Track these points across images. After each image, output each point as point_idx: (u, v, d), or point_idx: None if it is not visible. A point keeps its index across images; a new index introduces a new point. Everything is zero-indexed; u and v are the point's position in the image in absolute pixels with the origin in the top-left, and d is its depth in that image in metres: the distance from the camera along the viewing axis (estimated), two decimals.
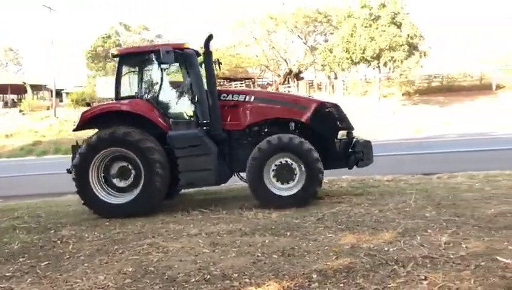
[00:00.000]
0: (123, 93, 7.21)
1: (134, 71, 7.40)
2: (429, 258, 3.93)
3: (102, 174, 6.78)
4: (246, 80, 47.87)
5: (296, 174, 6.59)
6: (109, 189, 6.79)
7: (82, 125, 6.96)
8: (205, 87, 7.00)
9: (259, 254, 4.36)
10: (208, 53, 6.89)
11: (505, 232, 4.61)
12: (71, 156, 7.18)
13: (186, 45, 7.11)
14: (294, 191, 6.55)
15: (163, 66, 6.95)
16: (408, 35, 31.02)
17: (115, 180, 6.80)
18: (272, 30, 43.39)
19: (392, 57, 31.27)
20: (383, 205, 6.22)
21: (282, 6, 41.64)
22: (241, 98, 7.10)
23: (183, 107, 7.27)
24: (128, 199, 6.65)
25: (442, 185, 7.38)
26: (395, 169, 9.64)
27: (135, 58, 7.33)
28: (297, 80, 44.99)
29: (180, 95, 7.36)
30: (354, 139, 7.17)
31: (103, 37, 54.68)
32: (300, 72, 46.82)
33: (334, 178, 8.74)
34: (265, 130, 7.11)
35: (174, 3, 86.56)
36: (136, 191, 6.64)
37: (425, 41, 33.13)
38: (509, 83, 36.04)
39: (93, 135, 6.70)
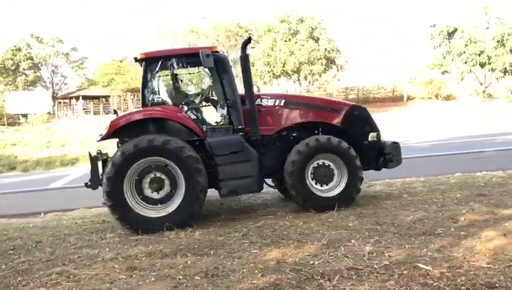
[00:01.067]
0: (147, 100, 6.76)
1: (161, 76, 6.99)
2: (354, 270, 3.89)
3: (135, 186, 6.15)
4: None
5: (334, 175, 6.57)
6: (143, 202, 6.17)
7: (113, 133, 6.29)
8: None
9: (181, 277, 4.08)
10: (245, 57, 6.57)
11: (424, 238, 4.72)
12: (91, 168, 6.59)
13: (216, 48, 6.81)
14: (338, 191, 6.55)
15: (193, 69, 6.70)
16: (325, 49, 32.25)
17: (148, 192, 6.19)
18: (193, 44, 43.18)
19: (311, 71, 32.31)
20: (307, 216, 6.19)
21: (203, 20, 41.73)
22: (271, 102, 6.88)
23: (216, 112, 6.97)
24: (168, 211, 6.13)
25: (362, 193, 7.50)
26: None
27: (163, 62, 6.75)
28: None
29: (213, 100, 7.13)
30: (382, 141, 7.12)
31: (12, 50, 51.29)
32: None
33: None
34: (294, 134, 6.95)
35: (92, 17, 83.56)
36: (176, 202, 6.14)
37: (342, 55, 34.64)
38: (418, 94, 38.63)
39: (127, 144, 6.09)
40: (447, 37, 34.72)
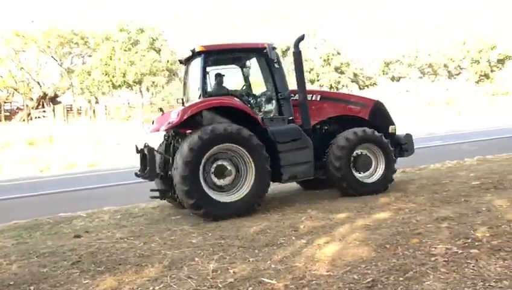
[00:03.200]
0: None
1: (220, 68, 7.43)
2: None
3: (205, 173, 6.38)
4: None
5: (372, 164, 7.25)
6: (212, 188, 6.40)
7: (183, 122, 6.33)
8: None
9: None
10: (298, 53, 7.12)
11: (267, 249, 4.67)
12: (140, 159, 7.18)
13: (265, 45, 7.07)
14: (375, 178, 7.25)
15: (247, 63, 7.53)
16: (168, 61, 31.89)
17: (214, 179, 6.44)
18: (20, 49, 38.89)
19: (154, 82, 31.61)
20: (148, 236, 5.73)
21: (32, 24, 37.82)
22: (309, 97, 7.29)
23: (268, 104, 7.36)
24: (238, 197, 6.43)
25: None
26: None
27: (221, 56, 7.31)
28: (54, 104, 41.27)
29: (265, 92, 7.46)
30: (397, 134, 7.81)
31: None
32: (56, 96, 43.13)
33: (94, 211, 7.84)
34: (326, 127, 7.55)
35: None
36: (245, 189, 6.46)
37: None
38: None
39: (205, 130, 6.24)
40: (281, 54, 37.31)
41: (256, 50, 7.26)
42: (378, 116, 7.79)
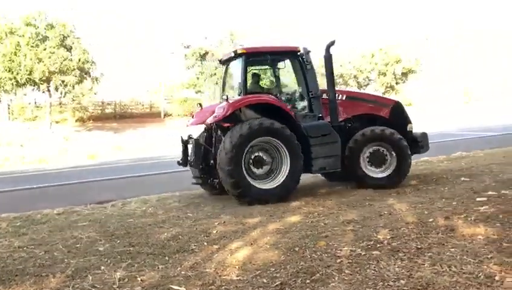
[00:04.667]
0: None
1: (258, 69, 8.43)
2: None
3: (246, 162, 7.13)
4: None
5: (387, 160, 7.76)
6: (252, 177, 7.15)
7: (228, 117, 7.09)
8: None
9: None
10: (329, 56, 7.79)
11: (178, 256, 4.58)
12: (182, 149, 8.09)
13: (299, 48, 7.81)
14: (387, 173, 7.75)
15: (282, 64, 8.17)
16: (79, 59, 30.34)
17: (253, 169, 7.24)
18: None
19: (63, 81, 29.90)
20: (50, 244, 5.35)
21: None
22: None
23: (300, 102, 8.04)
24: (274, 185, 7.18)
25: (117, 213, 7.04)
26: (68, 200, 8.74)
27: (261, 57, 7.95)
28: None
29: (297, 91, 8.16)
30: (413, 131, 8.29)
31: None
32: None
33: None
34: (349, 125, 7.98)
35: None
36: (280, 177, 7.20)
37: (98, 67, 33.17)
38: (175, 111, 40.05)
39: (252, 123, 6.98)
40: (200, 58, 37.10)
41: (292, 52, 7.92)
42: (398, 115, 8.28)
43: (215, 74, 36.46)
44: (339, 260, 4.02)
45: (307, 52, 7.73)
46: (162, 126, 35.39)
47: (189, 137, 8.06)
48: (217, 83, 36.51)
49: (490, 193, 6.34)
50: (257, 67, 8.41)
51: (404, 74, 47.44)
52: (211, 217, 6.38)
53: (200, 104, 8.50)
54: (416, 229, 4.81)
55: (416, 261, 3.85)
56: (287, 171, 7.17)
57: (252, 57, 7.83)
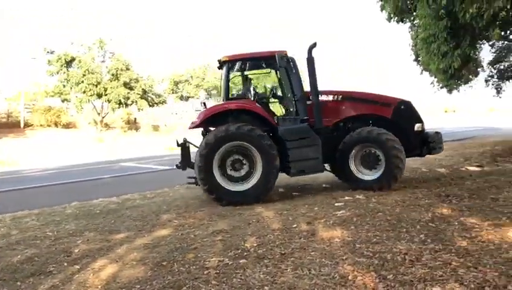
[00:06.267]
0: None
1: (239, 75, 8.59)
2: None
3: (219, 165, 7.27)
4: None
5: (380, 161, 7.51)
6: (226, 178, 7.30)
7: (204, 122, 7.45)
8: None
9: None
10: (311, 59, 7.56)
11: (32, 280, 4.18)
12: (180, 152, 8.11)
13: (286, 52, 7.74)
14: (377, 175, 7.50)
15: (266, 69, 8.58)
16: None
17: (229, 171, 7.35)
18: None
19: None
20: None
21: None
22: (330, 97, 7.94)
23: (284, 106, 8.28)
24: (247, 187, 7.27)
25: None
26: None
27: (242, 64, 8.20)
28: None
29: (280, 95, 8.40)
30: (425, 131, 7.98)
31: None
32: None
33: None
34: (349, 125, 7.91)
35: None
36: (252, 181, 7.28)
37: None
38: (37, 121, 36.79)
39: (220, 129, 7.17)
40: (65, 65, 34.70)
41: (270, 58, 7.85)
42: (403, 114, 7.92)
43: (82, 81, 34.38)
44: (206, 271, 4.02)
45: (281, 58, 7.55)
46: (22, 138, 32.26)
47: (184, 140, 8.14)
48: (84, 92, 34.54)
49: (346, 197, 6.91)
50: (245, 73, 8.52)
51: None
52: (73, 235, 5.94)
53: (205, 104, 8.38)
54: (281, 235, 5.02)
55: (280, 266, 4.01)
56: (260, 173, 7.26)
57: (234, 64, 8.12)
